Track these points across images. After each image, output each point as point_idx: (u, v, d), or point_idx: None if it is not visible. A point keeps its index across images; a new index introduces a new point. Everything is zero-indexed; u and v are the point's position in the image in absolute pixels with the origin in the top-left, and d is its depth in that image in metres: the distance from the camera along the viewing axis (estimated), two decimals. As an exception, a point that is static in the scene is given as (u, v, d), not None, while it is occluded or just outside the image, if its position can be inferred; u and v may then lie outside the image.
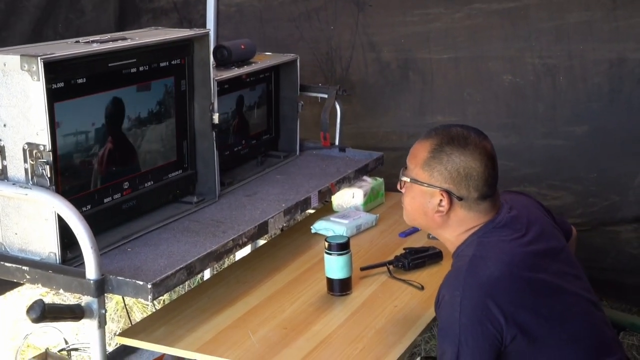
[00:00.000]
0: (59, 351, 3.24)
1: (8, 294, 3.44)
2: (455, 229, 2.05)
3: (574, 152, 3.41)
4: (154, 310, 2.97)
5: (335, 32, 3.70)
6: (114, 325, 3.75)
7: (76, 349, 3.34)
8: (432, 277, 2.49)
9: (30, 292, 3.74)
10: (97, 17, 3.46)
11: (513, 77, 3.44)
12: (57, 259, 2.11)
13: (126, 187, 2.44)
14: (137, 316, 3.82)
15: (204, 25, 3.84)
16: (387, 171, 3.19)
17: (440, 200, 2.02)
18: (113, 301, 3.83)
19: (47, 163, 2.06)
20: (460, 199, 2.01)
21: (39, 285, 2.12)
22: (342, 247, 2.39)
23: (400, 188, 2.12)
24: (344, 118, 3.33)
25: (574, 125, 3.38)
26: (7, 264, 2.11)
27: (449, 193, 2.01)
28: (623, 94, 3.29)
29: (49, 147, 2.06)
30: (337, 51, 3.70)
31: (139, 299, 2.80)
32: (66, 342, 3.34)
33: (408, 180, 2.08)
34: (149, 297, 2.03)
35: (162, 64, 2.51)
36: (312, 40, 3.72)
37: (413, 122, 3.64)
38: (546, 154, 3.46)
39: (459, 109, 3.54)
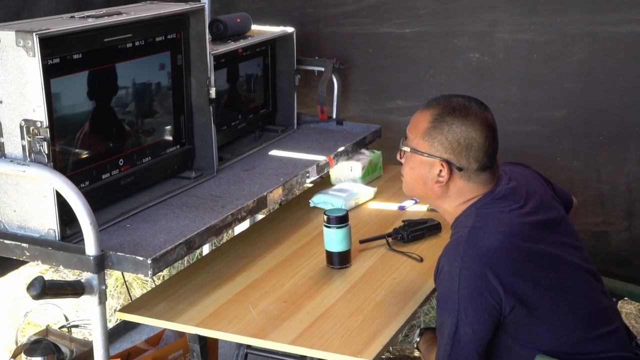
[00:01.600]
0: (60, 328, 3.25)
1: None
2: (454, 200, 2.05)
3: (552, 138, 3.14)
4: (153, 286, 2.97)
5: (307, 3, 3.47)
6: (114, 301, 3.76)
7: (77, 326, 3.35)
8: (431, 248, 2.49)
9: (29, 270, 3.73)
10: None
11: (481, 55, 3.18)
12: (57, 235, 2.11)
13: (124, 163, 2.44)
14: (137, 292, 3.83)
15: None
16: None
17: (440, 170, 2.02)
18: (112, 277, 3.83)
19: (44, 139, 2.06)
20: (460, 169, 2.01)
21: (39, 262, 2.13)
22: (341, 220, 2.39)
23: (400, 158, 2.12)
24: (341, 91, 3.30)
25: (551, 110, 3.11)
26: (6, 242, 2.12)
27: (449, 163, 2.01)
28: (605, 73, 3.00)
29: (46, 123, 2.05)
30: (306, 25, 3.44)
31: (139, 275, 2.81)
32: (67, 319, 3.35)
33: (408, 150, 2.07)
34: (149, 272, 2.03)
35: (158, 39, 2.50)
36: (284, 13, 3.50)
37: (372, 107, 3.44)
38: (520, 141, 3.17)
39: (421, 91, 3.26)
